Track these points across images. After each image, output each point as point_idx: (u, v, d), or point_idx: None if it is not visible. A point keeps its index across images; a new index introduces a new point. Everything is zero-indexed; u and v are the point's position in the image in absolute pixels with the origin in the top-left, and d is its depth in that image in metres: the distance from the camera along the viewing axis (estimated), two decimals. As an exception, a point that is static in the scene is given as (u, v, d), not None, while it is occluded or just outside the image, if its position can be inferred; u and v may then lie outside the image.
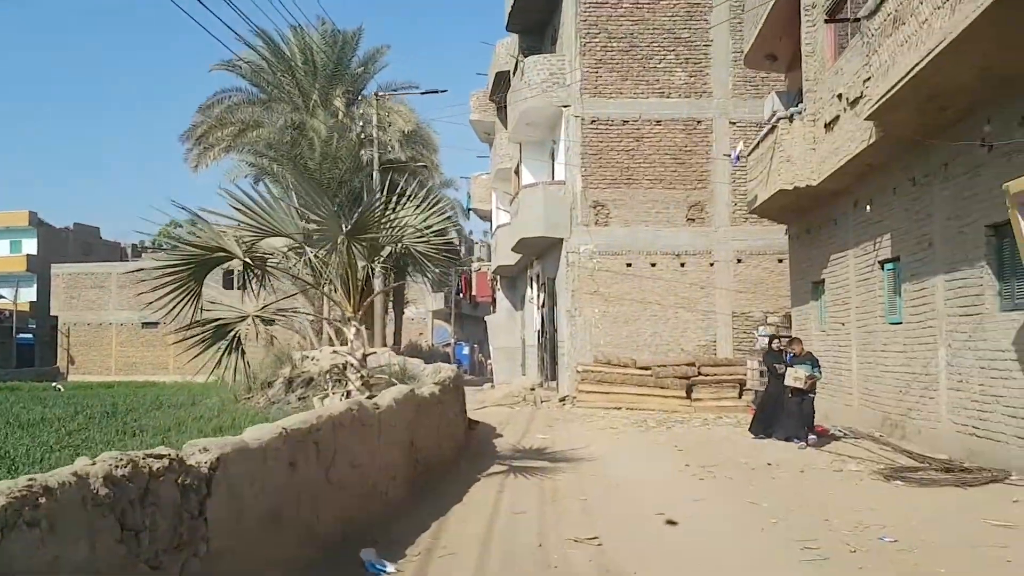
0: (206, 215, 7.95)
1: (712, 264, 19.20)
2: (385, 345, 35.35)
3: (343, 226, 7.62)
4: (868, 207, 12.18)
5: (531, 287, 23.91)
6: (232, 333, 8.19)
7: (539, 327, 21.99)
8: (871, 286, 12.46)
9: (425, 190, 9.62)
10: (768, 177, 14.35)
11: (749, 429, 11.79)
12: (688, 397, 18.06)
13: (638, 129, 19.23)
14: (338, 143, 26.78)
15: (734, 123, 19.22)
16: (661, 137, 19.26)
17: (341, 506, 5.29)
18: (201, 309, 7.88)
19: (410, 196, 8.96)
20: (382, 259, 9.35)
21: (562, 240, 19.17)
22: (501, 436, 13.06)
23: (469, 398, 22.43)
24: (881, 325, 12.11)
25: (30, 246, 54.86)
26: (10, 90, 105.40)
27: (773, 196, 14.23)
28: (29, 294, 54.40)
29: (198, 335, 8.12)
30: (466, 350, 45.53)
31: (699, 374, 18.19)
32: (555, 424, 14.98)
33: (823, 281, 14.72)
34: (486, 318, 28.17)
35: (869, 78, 9.71)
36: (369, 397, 7.52)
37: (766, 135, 14.48)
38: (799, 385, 11.01)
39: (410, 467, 7.38)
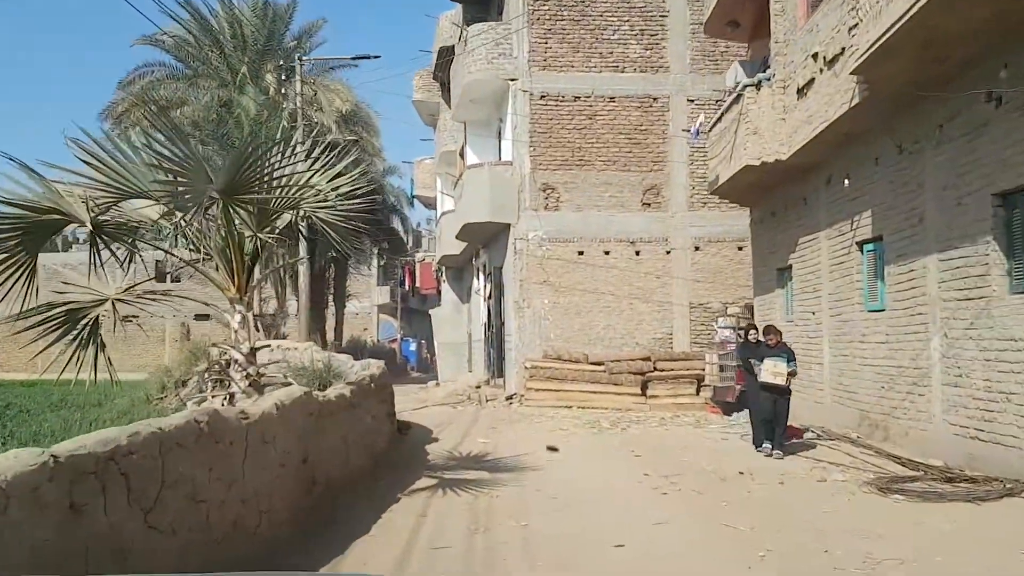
0: (45, 170, 6.25)
1: (668, 252, 17.90)
2: (325, 340, 33.47)
3: (212, 180, 5.98)
4: (845, 181, 10.92)
5: (477, 278, 22.40)
6: (85, 321, 6.52)
7: (485, 320, 20.48)
8: (847, 270, 11.22)
9: (337, 150, 8.03)
10: (732, 153, 13.05)
11: (753, 442, 10.22)
12: (643, 394, 16.76)
13: (591, 106, 17.81)
14: (269, 121, 24.88)
15: (692, 100, 17.92)
16: (615, 115, 17.87)
17: (172, 560, 3.71)
18: (37, 291, 6.19)
19: (307, 149, 7.37)
20: (277, 229, 7.72)
21: (509, 226, 17.68)
22: (437, 441, 11.52)
23: (410, 397, 20.88)
24: (859, 313, 10.87)
25: None
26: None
27: (737, 174, 12.93)
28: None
29: (41, 324, 6.44)
30: (413, 346, 43.78)
31: (655, 369, 16.90)
32: (499, 425, 13.50)
33: (790, 267, 13.49)
34: (430, 311, 26.58)
35: (856, 24, 8.39)
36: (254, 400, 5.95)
37: (730, 106, 13.18)
38: (779, 382, 9.66)
39: (302, 491, 5.81)
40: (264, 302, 27.54)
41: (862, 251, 10.82)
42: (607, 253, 17.73)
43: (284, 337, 27.53)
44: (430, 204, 29.24)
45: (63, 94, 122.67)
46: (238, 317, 6.74)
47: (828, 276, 11.85)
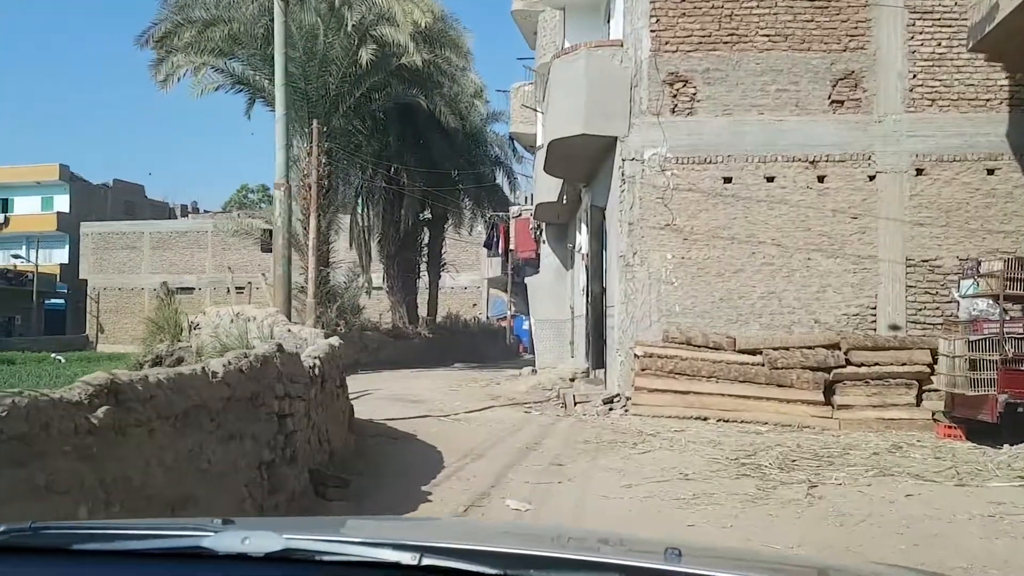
0: None
1: (872, 178, 11.30)
2: (414, 315, 28.25)
3: None
4: None
5: (579, 231, 16.47)
6: None
7: (584, 287, 14.50)
8: None
9: None
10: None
11: None
12: (827, 402, 10.43)
13: (747, -47, 11.44)
14: (328, 38, 19.84)
15: (915, -64, 11.20)
16: (787, -35, 11.42)
17: None
18: None
19: None
20: None
21: (616, 142, 11.64)
22: (430, 494, 5.79)
23: (485, 391, 15.34)
24: None
25: (62, 203, 50.51)
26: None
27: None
28: (61, 256, 50.26)
29: None
30: (526, 324, 38.17)
31: (847, 363, 10.55)
32: (575, 456, 7.62)
33: None
34: (526, 280, 20.87)
35: None
36: None
37: None
38: None
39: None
40: (334, 266, 22.69)
41: None
42: (770, 180, 11.35)
43: (356, 315, 22.66)
44: (529, 145, 23.44)
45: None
46: None
47: None
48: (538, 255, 21.77)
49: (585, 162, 13.21)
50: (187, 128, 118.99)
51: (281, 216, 8.69)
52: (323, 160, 19.80)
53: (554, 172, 14.48)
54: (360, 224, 27.46)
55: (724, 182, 11.35)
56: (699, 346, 10.72)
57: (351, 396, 14.39)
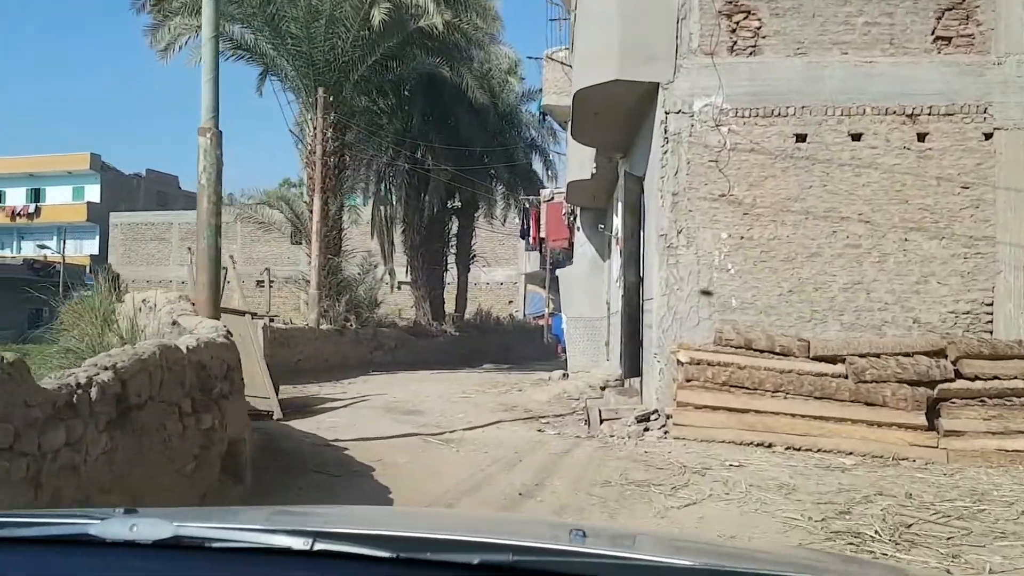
0: None
1: (989, 136, 8.72)
2: (440, 311, 25.89)
3: None
4: None
5: (615, 212, 14.09)
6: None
7: (619, 278, 12.06)
8: None
9: None
10: None
11: None
12: (931, 427, 7.94)
13: None
14: (338, -3, 17.72)
15: None
16: None
17: None
18: None
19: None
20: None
21: (657, 90, 9.23)
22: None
23: (497, 401, 13.03)
24: None
25: (93, 193, 49.60)
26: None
27: None
28: (92, 247, 49.37)
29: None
30: (565, 323, 35.81)
31: (957, 376, 8.02)
32: (589, 511, 5.28)
33: None
34: (557, 272, 18.52)
35: None
36: None
37: None
38: None
39: None
40: (347, 256, 20.60)
41: None
42: (856, 138, 8.83)
43: (372, 310, 20.57)
44: (564, 118, 20.85)
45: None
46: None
47: None
48: (572, 244, 19.36)
49: (620, 122, 10.81)
50: (232, 117, 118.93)
51: (207, 171, 6.52)
52: (329, 134, 17.72)
53: (583, 138, 12.12)
54: (382, 211, 25.37)
55: (796, 141, 8.88)
56: (761, 351, 8.29)
57: (345, 402, 12.26)
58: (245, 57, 18.65)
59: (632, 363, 10.13)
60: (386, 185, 25.29)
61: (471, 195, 26.23)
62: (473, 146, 24.02)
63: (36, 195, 50.00)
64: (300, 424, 9.32)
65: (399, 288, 27.00)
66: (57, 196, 49.73)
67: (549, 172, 27.36)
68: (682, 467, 6.68)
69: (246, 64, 18.89)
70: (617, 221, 13.76)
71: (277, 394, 11.09)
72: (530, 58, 26.77)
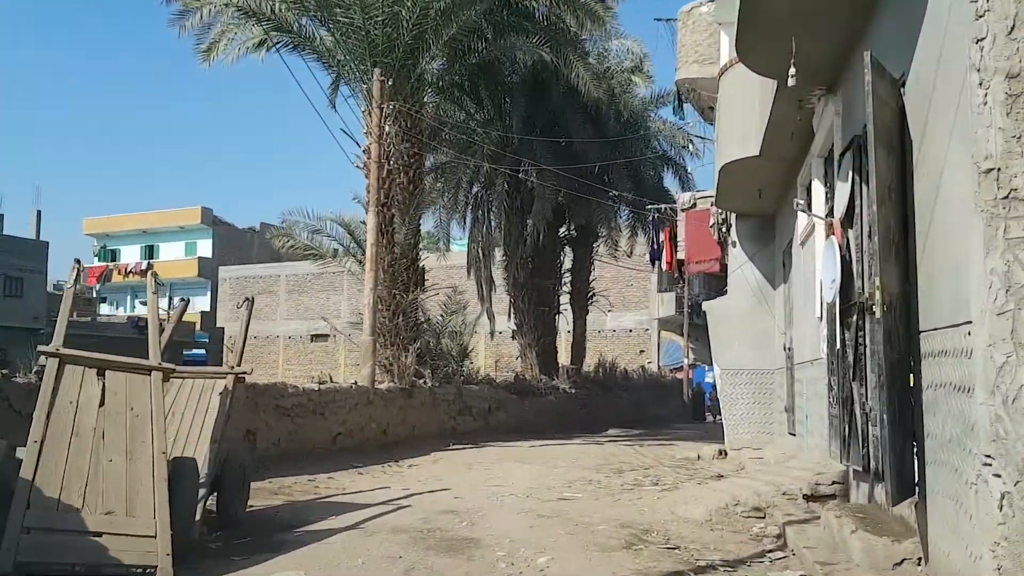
0: None
1: None
2: (552, 362, 20.68)
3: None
4: None
5: (818, 179, 8.71)
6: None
7: (830, 293, 6.60)
8: None
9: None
10: None
11: None
12: None
13: None
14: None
15: None
16: None
17: None
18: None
19: None
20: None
21: None
22: None
23: (620, 511, 7.56)
24: None
25: (205, 248, 48.24)
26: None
27: None
28: (203, 303, 47.81)
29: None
30: (710, 376, 29.79)
31: None
32: None
33: None
34: (704, 306, 13.17)
35: None
36: None
37: None
38: None
39: None
40: (423, 292, 16.10)
41: None
42: None
43: (459, 362, 15.96)
44: (707, 102, 15.42)
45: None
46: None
47: None
48: (724, 267, 14.01)
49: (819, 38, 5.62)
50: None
51: None
52: (388, 129, 13.38)
53: (757, 49, 6.88)
54: (479, 240, 20.81)
55: None
56: None
57: (357, 518, 6.73)
58: (289, 43, 14.73)
59: (897, 463, 4.72)
60: (484, 211, 20.79)
61: (587, 221, 21.36)
62: (588, 160, 19.27)
63: (150, 252, 49.23)
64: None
65: (493, 336, 22.28)
66: (170, 253, 48.73)
67: (685, 188, 22.09)
68: None
69: (288, 54, 14.90)
70: (827, 192, 8.40)
71: (236, 503, 6.51)
72: (657, 20, 21.57)
